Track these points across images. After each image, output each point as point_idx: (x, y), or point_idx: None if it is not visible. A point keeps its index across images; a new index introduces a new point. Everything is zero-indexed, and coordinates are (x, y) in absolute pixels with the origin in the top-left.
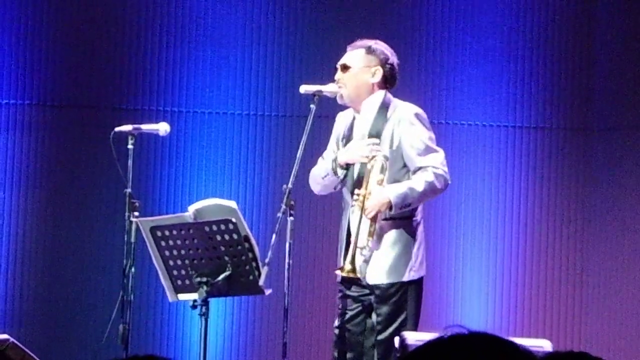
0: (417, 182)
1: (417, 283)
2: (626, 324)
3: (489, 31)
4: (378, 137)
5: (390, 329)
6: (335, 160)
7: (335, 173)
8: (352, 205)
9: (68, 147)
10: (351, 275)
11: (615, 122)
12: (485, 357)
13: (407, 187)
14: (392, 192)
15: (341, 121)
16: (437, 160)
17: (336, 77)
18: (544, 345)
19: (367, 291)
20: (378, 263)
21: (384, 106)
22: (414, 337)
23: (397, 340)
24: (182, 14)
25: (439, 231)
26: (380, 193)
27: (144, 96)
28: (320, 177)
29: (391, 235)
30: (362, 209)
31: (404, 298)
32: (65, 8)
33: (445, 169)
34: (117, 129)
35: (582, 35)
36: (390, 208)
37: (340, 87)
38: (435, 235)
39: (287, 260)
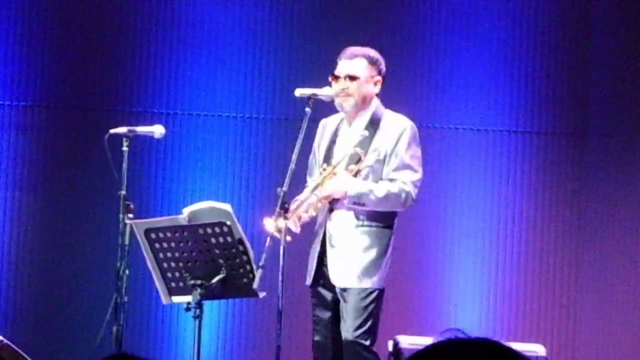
0: (380, 188)
1: (382, 292)
2: (620, 330)
3: (485, 35)
4: (365, 147)
5: (361, 331)
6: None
7: None
8: (331, 210)
9: (62, 149)
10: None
11: (612, 127)
12: None
13: (368, 189)
14: (353, 186)
15: (328, 129)
16: (409, 178)
17: (339, 86)
18: (538, 350)
19: (335, 294)
20: (350, 267)
21: (377, 117)
22: (408, 341)
23: (390, 344)
24: (177, 17)
25: (433, 235)
26: (342, 181)
27: (139, 98)
28: None
29: (365, 240)
30: (319, 184)
31: (374, 304)
32: (60, 10)
33: (415, 189)
34: (111, 131)
35: (578, 40)
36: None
37: (344, 96)
38: (430, 239)
39: (281, 263)
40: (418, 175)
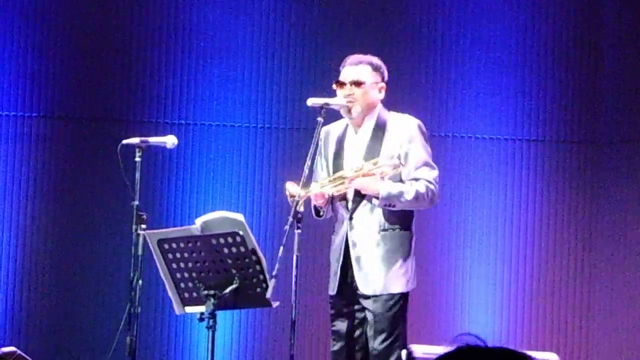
0: (409, 190)
1: (408, 295)
2: (634, 337)
3: (497, 44)
4: (376, 152)
5: (389, 341)
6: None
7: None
8: (351, 219)
9: (75, 160)
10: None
11: (623, 135)
12: None
13: (399, 191)
14: (386, 189)
15: (332, 136)
16: (431, 176)
17: (345, 92)
18: (552, 358)
19: (360, 305)
20: (377, 273)
21: (382, 121)
22: (422, 350)
23: (404, 353)
24: (189, 27)
25: (446, 243)
26: (376, 183)
27: (151, 109)
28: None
29: (389, 244)
30: (351, 177)
31: (401, 310)
32: (72, 21)
33: (437, 186)
34: (124, 141)
35: (589, 48)
36: (376, 198)
37: (351, 102)
38: (442, 247)
39: (294, 273)
40: (436, 172)
